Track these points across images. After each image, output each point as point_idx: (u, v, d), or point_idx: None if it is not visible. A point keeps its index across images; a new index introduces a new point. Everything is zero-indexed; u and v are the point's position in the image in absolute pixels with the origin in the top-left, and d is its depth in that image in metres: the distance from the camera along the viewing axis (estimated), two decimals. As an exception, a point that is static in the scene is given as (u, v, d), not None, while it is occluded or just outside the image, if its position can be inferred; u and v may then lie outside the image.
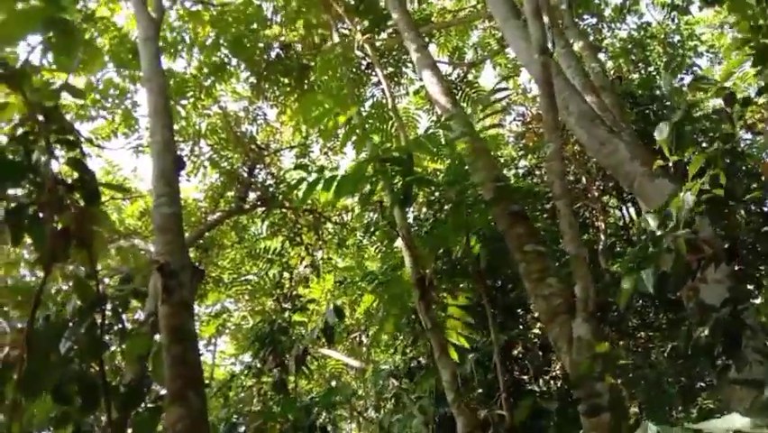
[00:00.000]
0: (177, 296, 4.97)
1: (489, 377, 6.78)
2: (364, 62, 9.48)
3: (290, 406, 6.01)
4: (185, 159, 10.77)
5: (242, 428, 7.80)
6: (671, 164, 3.94)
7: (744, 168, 5.83)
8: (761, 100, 5.22)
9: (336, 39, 7.73)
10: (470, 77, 11.84)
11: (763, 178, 5.28)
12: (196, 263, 10.61)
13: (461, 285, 5.14)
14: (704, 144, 6.10)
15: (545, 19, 6.76)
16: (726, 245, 3.74)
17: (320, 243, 10.69)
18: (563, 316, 4.11)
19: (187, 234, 10.55)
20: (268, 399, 8.55)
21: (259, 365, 8.69)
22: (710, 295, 4.22)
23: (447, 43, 11.39)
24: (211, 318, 11.82)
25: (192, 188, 11.54)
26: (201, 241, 10.80)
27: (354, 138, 5.56)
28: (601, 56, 11.20)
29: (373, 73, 10.46)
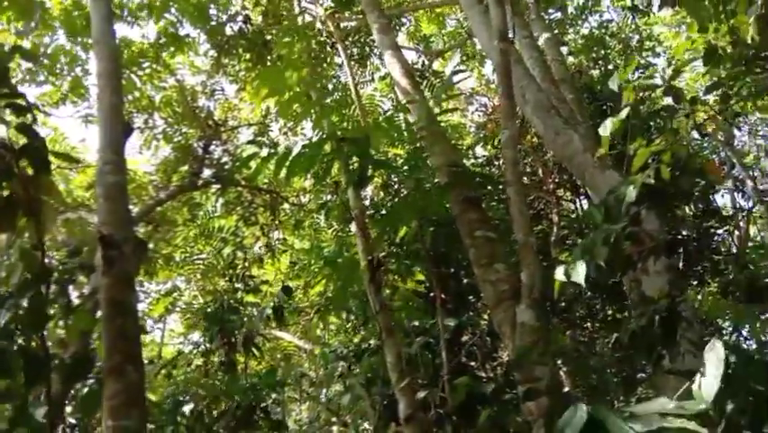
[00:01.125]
0: (118, 268, 4.81)
1: (437, 361, 6.85)
2: (329, 41, 9.34)
3: (234, 385, 5.92)
4: (137, 131, 10.45)
5: (188, 407, 7.67)
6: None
7: (690, 165, 5.99)
8: (711, 99, 5.37)
9: (298, 14, 7.59)
10: (437, 66, 11.86)
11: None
12: (145, 239, 10.34)
13: (412, 269, 5.14)
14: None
15: (509, 8, 6.79)
16: (667, 239, 3.83)
17: (276, 223, 10.54)
18: (509, 302, 4.14)
19: (136, 209, 10.28)
20: (215, 378, 8.44)
21: (207, 345, 8.56)
22: (652, 287, 4.33)
23: (417, 32, 11.36)
24: (161, 297, 11.56)
25: (144, 161, 11.22)
26: (152, 216, 10.51)
27: (312, 116, 5.47)
28: (564, 50, 11.36)
29: (337, 53, 10.33)
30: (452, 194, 4.89)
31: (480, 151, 10.91)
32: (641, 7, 10.38)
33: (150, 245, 10.84)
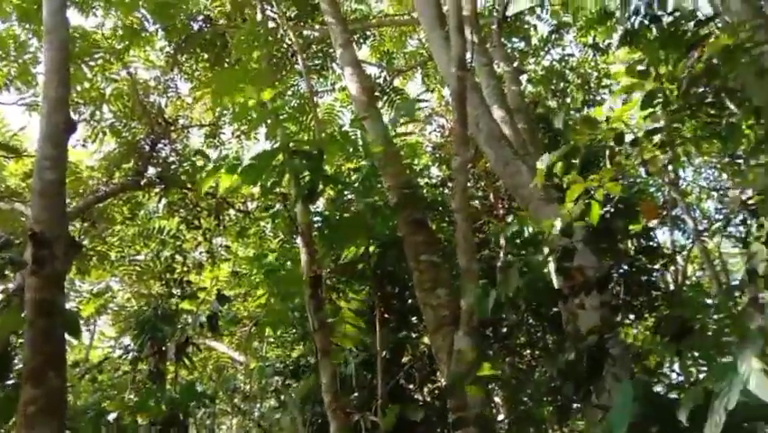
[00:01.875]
0: (48, 268, 4.58)
1: (375, 382, 6.78)
2: (290, 50, 9.25)
3: (156, 397, 5.67)
4: (83, 123, 10.03)
5: (112, 416, 7.32)
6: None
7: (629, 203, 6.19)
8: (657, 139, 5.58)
9: (260, 19, 7.47)
10: (398, 83, 11.90)
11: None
12: (80, 236, 9.91)
13: (355, 288, 5.08)
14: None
15: (471, 35, 6.89)
16: (599, 275, 3.92)
17: (220, 229, 10.28)
18: (448, 327, 4.15)
19: (74, 203, 9.84)
20: (143, 386, 8.10)
21: (137, 351, 8.22)
22: (587, 321, 4.41)
23: (380, 47, 11.37)
24: (92, 297, 11.05)
25: (86, 154, 10.75)
26: (89, 212, 10.07)
27: (266, 124, 5.37)
28: (524, 78, 11.64)
29: (298, 62, 10.25)
30: (402, 215, 4.89)
31: (435, 171, 10.99)
32: (601, 46, 10.74)
33: (86, 242, 10.39)
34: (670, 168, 10.83)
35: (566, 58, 10.79)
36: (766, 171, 5.48)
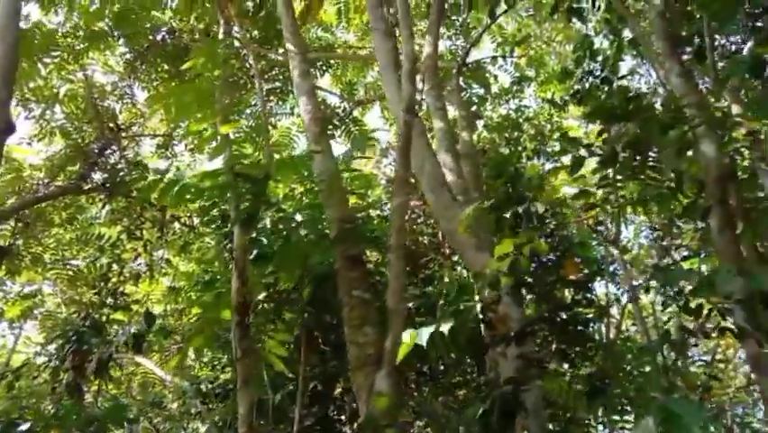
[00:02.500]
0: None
1: (304, 413, 6.68)
2: (252, 71, 9.27)
3: (70, 414, 5.44)
4: (31, 121, 9.75)
5: (24, 427, 6.96)
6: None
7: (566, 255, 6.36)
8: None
9: (222, 37, 7.47)
10: (358, 113, 12.02)
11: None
12: (14, 236, 9.54)
13: (287, 317, 5.04)
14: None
15: (426, 79, 7.06)
16: (517, 328, 4.01)
17: (162, 241, 10.05)
18: (371, 367, 4.15)
19: (12, 201, 9.49)
20: (60, 399, 7.75)
21: (59, 361, 7.88)
22: (508, 370, 4.48)
23: (342, 76, 11.49)
24: (19, 298, 10.58)
25: (32, 152, 10.42)
26: (24, 213, 9.71)
27: (214, 143, 5.34)
28: (480, 123, 11.93)
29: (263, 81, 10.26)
30: (339, 249, 4.89)
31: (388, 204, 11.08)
32: (558, 102, 11.14)
33: (19, 242, 10.00)
34: (610, 225, 11.24)
35: (522, 109, 11.14)
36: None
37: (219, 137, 5.40)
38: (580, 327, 11.36)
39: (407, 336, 3.34)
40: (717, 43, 8.19)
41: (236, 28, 8.81)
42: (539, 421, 4.23)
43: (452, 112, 8.50)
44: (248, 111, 10.02)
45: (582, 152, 5.47)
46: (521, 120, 10.79)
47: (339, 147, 11.12)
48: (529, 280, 3.79)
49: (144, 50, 9.57)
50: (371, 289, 4.73)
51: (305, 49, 6.59)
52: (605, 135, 5.33)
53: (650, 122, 4.22)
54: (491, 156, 10.37)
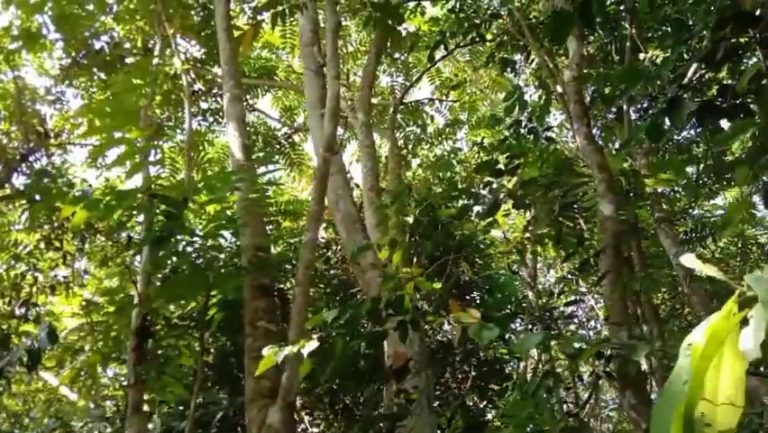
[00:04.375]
0: None
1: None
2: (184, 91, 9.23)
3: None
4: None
5: None
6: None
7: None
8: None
9: (158, 52, 7.44)
10: (297, 138, 12.11)
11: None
12: None
13: (187, 343, 4.99)
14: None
15: (360, 115, 7.24)
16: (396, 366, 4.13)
17: (83, 253, 9.74)
18: (264, 400, 4.17)
19: None
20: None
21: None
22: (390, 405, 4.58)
23: (283, 99, 11.55)
24: None
25: (-50, 150, 9.96)
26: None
27: (129, 162, 5.30)
28: (416, 162, 12.21)
29: (201, 100, 10.23)
30: (249, 278, 4.92)
31: (322, 233, 11.14)
32: (487, 147, 11.56)
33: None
34: (528, 268, 11.65)
35: (456, 151, 11.50)
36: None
37: (137, 156, 5.38)
38: (498, 366, 11.61)
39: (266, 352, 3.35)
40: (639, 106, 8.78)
41: (179, 42, 8.80)
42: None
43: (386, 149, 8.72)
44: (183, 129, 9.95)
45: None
46: (454, 161, 11.13)
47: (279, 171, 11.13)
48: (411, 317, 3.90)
49: (82, 56, 9.39)
50: (279, 320, 4.76)
51: (238, 74, 6.64)
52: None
53: (530, 181, 4.49)
54: (423, 195, 10.65)
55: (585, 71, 9.68)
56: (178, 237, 4.56)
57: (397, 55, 10.12)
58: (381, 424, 3.99)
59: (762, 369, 3.86)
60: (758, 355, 1.23)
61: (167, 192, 5.31)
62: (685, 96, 5.24)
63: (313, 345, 2.94)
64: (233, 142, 6.02)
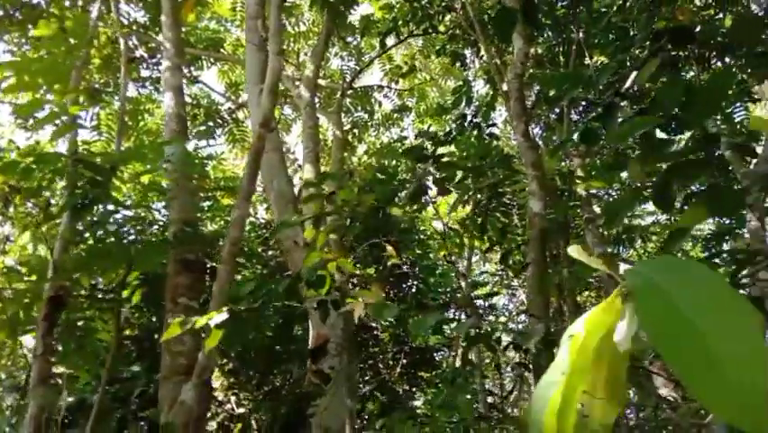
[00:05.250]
0: None
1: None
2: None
3: None
4: None
5: None
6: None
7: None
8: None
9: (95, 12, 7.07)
10: (241, 115, 11.84)
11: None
12: None
13: (104, 317, 4.82)
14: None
15: (307, 94, 7.14)
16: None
17: (7, 219, 9.23)
18: (179, 377, 4.09)
19: None
20: None
21: None
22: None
23: (230, 73, 11.25)
24: None
25: None
26: None
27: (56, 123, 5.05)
28: (362, 148, 12.16)
29: (142, 67, 9.85)
30: (173, 252, 4.79)
31: (261, 212, 10.97)
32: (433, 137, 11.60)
33: None
34: (465, 259, 11.85)
35: (402, 139, 11.50)
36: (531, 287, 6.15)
37: (65, 118, 5.13)
38: (428, 355, 11.75)
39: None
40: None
41: (122, 5, 8.43)
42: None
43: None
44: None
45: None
46: (400, 149, 11.13)
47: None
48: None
49: (16, 9, 8.86)
50: (200, 298, 4.66)
51: (180, 43, 6.43)
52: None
53: (448, 164, 4.57)
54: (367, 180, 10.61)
55: (532, 71, 9.86)
56: (104, 207, 4.35)
57: (349, 39, 10.01)
58: (298, 403, 3.97)
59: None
60: (629, 347, 1.27)
61: (94, 159, 5.10)
62: (621, 102, 5.40)
63: (221, 317, 2.87)
64: (169, 111, 5.84)
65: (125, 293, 4.37)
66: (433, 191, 4.47)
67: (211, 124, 10.07)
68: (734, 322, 0.87)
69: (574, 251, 1.50)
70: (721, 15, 8.32)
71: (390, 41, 9.05)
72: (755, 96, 9.06)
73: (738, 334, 0.85)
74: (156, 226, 5.22)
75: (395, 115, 11.02)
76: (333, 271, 3.68)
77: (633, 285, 1.10)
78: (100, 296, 4.90)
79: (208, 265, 6.40)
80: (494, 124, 9.91)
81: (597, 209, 7.76)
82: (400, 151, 11.87)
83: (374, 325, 10.44)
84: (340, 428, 4.43)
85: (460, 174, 4.89)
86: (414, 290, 10.70)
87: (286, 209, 5.36)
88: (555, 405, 1.27)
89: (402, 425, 4.48)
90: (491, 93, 9.08)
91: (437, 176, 4.26)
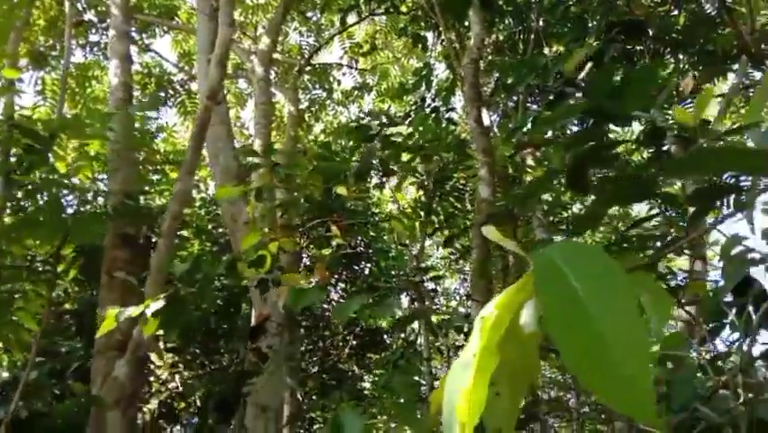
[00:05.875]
0: None
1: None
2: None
3: None
4: None
5: None
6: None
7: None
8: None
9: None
10: (194, 87, 11.51)
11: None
12: None
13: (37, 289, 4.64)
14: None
15: (261, 69, 6.99)
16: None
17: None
18: (114, 352, 3.99)
19: None
20: None
21: None
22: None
23: (183, 43, 10.87)
24: None
25: None
26: None
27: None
28: (320, 127, 12.01)
29: (91, 31, 9.46)
30: (112, 226, 4.65)
31: (213, 188, 10.75)
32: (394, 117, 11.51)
33: None
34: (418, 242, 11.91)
35: (360, 120, 11.36)
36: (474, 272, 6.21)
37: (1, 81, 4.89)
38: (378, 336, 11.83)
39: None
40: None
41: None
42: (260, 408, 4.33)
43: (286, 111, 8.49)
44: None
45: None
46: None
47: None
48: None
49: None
50: (137, 273, 4.54)
51: (129, 9, 6.19)
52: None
53: (391, 143, 4.57)
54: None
55: (492, 59, 9.89)
56: (41, 175, 4.17)
57: (309, 14, 9.82)
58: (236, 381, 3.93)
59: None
60: (534, 329, 1.26)
61: (33, 125, 4.88)
62: (572, 92, 5.46)
63: (158, 304, 2.80)
64: (115, 80, 5.63)
65: (61, 267, 4.21)
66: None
67: (162, 94, 9.76)
68: (622, 310, 0.87)
69: (488, 231, 1.50)
70: (676, 12, 8.50)
71: (352, 18, 8.92)
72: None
73: (626, 322, 0.84)
74: (100, 198, 5.03)
75: (355, 93, 10.87)
76: (275, 251, 3.63)
77: (535, 266, 1.10)
78: (34, 267, 4.70)
79: (155, 240, 6.24)
80: (452, 109, 9.95)
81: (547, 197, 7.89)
82: (347, 130, 11.74)
83: (325, 306, 10.42)
84: (277, 407, 4.42)
85: (408, 156, 4.87)
86: (366, 273, 10.70)
87: (231, 185, 5.24)
88: (467, 385, 1.26)
89: (343, 404, 4.48)
90: (451, 77, 9.06)
91: (382, 156, 4.23)
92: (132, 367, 3.75)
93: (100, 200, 5.97)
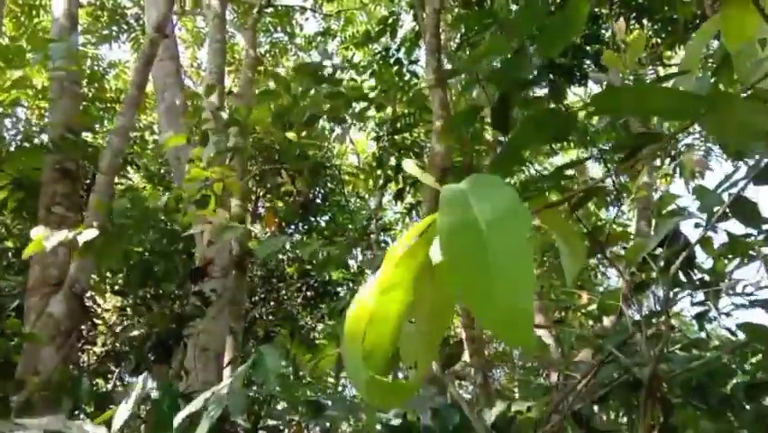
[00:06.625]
0: None
1: None
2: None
3: None
4: None
5: None
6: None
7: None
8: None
9: None
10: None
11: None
12: None
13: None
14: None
15: (217, 4, 6.72)
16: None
17: None
18: (49, 288, 3.90)
19: None
20: None
21: None
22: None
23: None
24: None
25: None
26: None
27: None
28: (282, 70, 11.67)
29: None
30: (50, 159, 4.47)
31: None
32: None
33: None
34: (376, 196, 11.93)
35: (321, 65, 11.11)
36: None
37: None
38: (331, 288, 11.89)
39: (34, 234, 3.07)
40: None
41: None
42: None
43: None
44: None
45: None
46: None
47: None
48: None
49: None
50: (76, 208, 4.40)
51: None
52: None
53: (337, 94, 4.52)
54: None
55: (459, 12, 9.72)
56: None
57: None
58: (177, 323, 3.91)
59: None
60: (441, 260, 1.26)
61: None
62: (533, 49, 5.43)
63: (91, 233, 2.71)
64: (58, 7, 5.32)
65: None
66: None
67: (115, 28, 9.31)
68: (514, 239, 0.86)
69: (407, 165, 1.48)
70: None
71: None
72: (666, 62, 9.44)
73: (515, 252, 0.84)
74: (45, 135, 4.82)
75: (318, 39, 10.56)
76: (219, 192, 3.56)
77: (442, 193, 1.08)
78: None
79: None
80: (416, 61, 9.81)
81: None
82: (293, 68, 11.45)
83: (281, 257, 10.40)
84: (219, 349, 4.43)
85: (360, 106, 4.80)
86: (322, 225, 10.69)
87: (176, 123, 5.08)
88: (370, 317, 1.24)
89: (287, 341, 4.52)
90: (417, 29, 8.89)
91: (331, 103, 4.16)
92: (70, 303, 3.66)
93: (45, 137, 5.74)
